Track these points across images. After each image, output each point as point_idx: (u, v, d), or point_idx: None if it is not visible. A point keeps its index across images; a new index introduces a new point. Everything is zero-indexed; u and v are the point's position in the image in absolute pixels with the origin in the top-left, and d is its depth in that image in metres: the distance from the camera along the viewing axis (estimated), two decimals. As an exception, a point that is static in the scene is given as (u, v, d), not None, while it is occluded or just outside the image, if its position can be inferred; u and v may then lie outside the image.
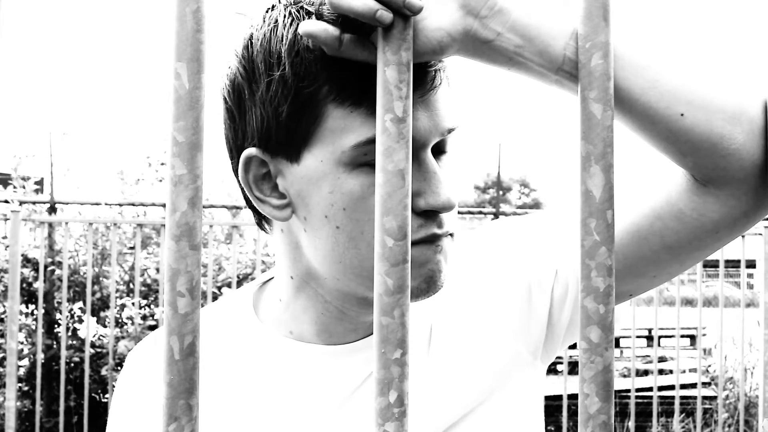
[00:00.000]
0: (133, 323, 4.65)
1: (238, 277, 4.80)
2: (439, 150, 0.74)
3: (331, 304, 0.79)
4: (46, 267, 4.70)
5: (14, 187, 5.05)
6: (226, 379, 0.81)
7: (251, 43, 0.71)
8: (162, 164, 5.71)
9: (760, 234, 4.28)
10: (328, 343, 0.81)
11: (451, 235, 0.75)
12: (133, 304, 4.66)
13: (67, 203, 4.66)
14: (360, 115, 0.69)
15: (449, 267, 0.75)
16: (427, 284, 0.73)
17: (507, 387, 0.82)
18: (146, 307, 5.02)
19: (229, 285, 4.78)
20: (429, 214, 0.71)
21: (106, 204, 4.74)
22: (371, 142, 0.69)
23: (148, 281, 5.03)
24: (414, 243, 0.71)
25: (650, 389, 5.66)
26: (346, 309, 0.80)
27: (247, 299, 0.86)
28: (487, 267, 0.85)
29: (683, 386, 5.75)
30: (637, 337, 7.35)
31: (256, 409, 0.80)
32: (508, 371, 0.83)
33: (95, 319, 4.93)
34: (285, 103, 0.69)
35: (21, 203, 4.63)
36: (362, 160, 0.70)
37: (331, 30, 0.62)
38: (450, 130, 0.73)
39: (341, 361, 0.81)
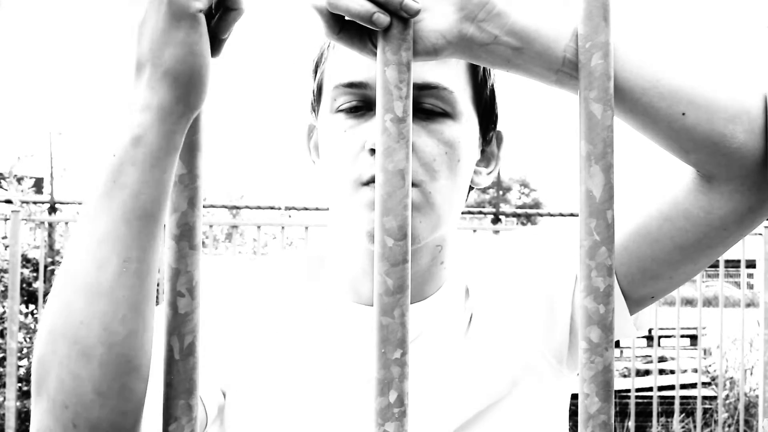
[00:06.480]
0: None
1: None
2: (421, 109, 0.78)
3: (357, 259, 0.83)
4: (46, 267, 4.69)
5: (5, 189, 5.04)
6: (271, 327, 0.85)
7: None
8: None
9: (760, 234, 4.28)
10: (357, 302, 0.85)
11: None
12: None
13: (67, 203, 4.66)
14: (338, 54, 0.77)
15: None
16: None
17: (528, 388, 0.85)
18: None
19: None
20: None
21: (106, 204, 4.72)
22: (344, 86, 0.76)
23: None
24: (366, 184, 0.76)
25: (650, 389, 5.65)
26: (365, 265, 0.82)
27: (305, 259, 0.91)
28: (517, 271, 0.88)
29: (683, 386, 5.74)
30: (637, 337, 7.33)
31: (290, 355, 0.84)
32: (529, 371, 0.85)
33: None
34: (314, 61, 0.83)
35: (21, 203, 4.63)
36: (335, 105, 0.79)
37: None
38: (421, 86, 0.76)
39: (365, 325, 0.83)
